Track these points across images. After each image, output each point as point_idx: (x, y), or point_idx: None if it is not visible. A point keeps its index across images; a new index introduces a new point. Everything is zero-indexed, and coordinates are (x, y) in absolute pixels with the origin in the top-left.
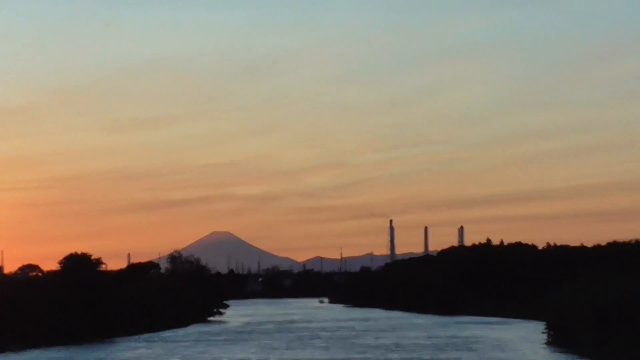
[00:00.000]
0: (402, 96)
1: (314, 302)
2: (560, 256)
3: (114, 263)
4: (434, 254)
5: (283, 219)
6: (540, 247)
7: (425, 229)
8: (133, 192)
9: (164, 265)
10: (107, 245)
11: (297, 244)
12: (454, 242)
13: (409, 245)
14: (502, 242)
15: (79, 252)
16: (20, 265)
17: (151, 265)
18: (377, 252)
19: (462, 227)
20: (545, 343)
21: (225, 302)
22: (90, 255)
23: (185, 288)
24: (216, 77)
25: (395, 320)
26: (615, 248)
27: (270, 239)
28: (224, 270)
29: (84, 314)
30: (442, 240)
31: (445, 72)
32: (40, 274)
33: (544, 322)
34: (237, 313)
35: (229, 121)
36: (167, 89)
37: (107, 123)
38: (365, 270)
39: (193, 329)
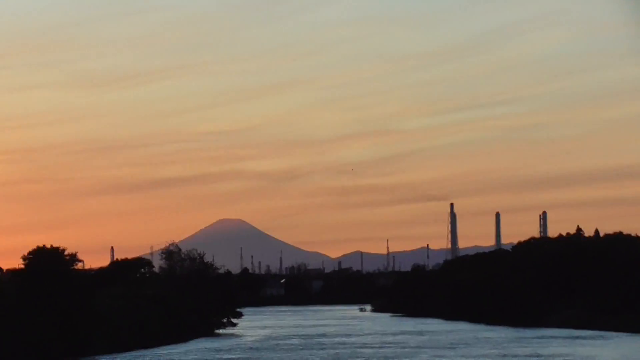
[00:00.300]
0: (463, 42)
1: (352, 310)
2: None
3: (94, 260)
4: (508, 248)
5: (311, 203)
6: None
7: (497, 215)
8: (115, 168)
9: (157, 263)
10: (84, 237)
11: (329, 236)
12: (534, 232)
13: (475, 236)
14: (597, 232)
15: (48, 246)
16: None
17: (141, 263)
18: (433, 246)
19: (544, 213)
20: None
21: (237, 310)
22: (63, 250)
23: (186, 292)
24: (217, 17)
25: (458, 334)
26: None
27: (295, 228)
28: (235, 268)
29: (55, 327)
30: (519, 230)
31: (518, 11)
32: None
33: None
34: (254, 324)
35: (235, 75)
36: (154, 33)
37: (78, 77)
38: (418, 270)
39: (196, 345)
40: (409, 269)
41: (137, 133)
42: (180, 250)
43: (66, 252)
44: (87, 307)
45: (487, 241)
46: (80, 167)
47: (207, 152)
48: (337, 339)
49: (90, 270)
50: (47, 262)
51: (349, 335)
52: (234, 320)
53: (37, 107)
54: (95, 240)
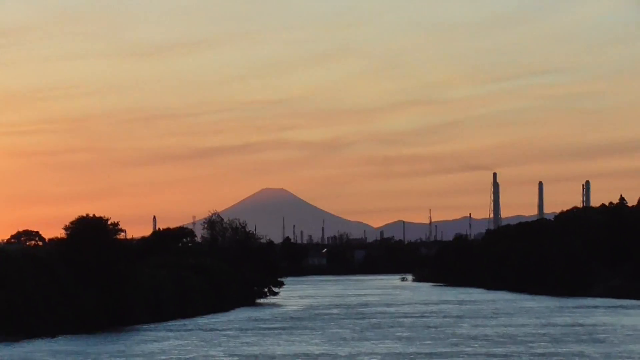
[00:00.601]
0: (509, 11)
1: (394, 280)
2: None
3: (136, 229)
4: (551, 218)
5: (353, 173)
6: None
7: (540, 185)
8: (156, 138)
9: (199, 232)
10: (126, 207)
11: (371, 205)
12: (577, 202)
13: (518, 206)
14: None
15: (90, 215)
16: (14, 231)
17: (183, 232)
18: (476, 215)
19: (587, 183)
20: None
21: (279, 279)
22: (106, 220)
23: (228, 262)
24: None
25: (500, 303)
26: None
27: (337, 198)
28: (277, 238)
29: (98, 296)
30: (562, 199)
31: None
32: (40, 243)
33: None
34: (295, 294)
35: (279, 45)
36: (199, 2)
37: (121, 48)
38: (461, 239)
39: (238, 314)
40: (451, 238)
41: (181, 103)
42: (222, 220)
43: (109, 222)
44: (129, 277)
45: (529, 211)
46: (123, 137)
47: (251, 122)
48: (378, 309)
49: (132, 239)
50: (90, 231)
51: (390, 305)
52: (276, 290)
53: (81, 77)
54: (138, 210)
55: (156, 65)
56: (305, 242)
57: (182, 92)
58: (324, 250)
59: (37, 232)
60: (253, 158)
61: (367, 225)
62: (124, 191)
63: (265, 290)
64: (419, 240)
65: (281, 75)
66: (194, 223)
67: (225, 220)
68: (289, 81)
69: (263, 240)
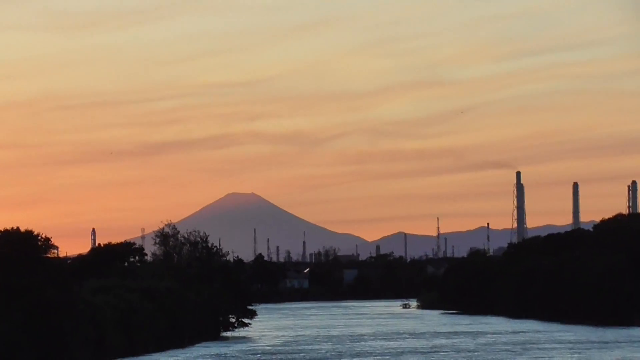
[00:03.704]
0: None
1: (393, 306)
2: None
3: (71, 245)
4: (589, 227)
5: (341, 173)
6: None
7: (575, 187)
8: (94, 130)
9: (150, 248)
10: (59, 217)
11: (364, 214)
12: (622, 207)
13: (548, 213)
14: None
15: (14, 229)
16: None
17: (130, 249)
18: (495, 225)
19: (634, 184)
20: None
21: (250, 307)
22: (35, 234)
23: (186, 285)
24: None
25: (527, 335)
26: None
27: (323, 205)
28: (248, 255)
29: (24, 328)
30: (602, 204)
31: None
32: None
33: None
34: (270, 325)
35: (250, 13)
36: None
37: (48, 19)
38: (477, 255)
39: (199, 351)
40: (464, 254)
41: (126, 86)
42: (178, 232)
43: (40, 236)
44: (63, 304)
45: (562, 219)
46: (53, 129)
47: (214, 109)
48: (374, 344)
49: (67, 258)
50: (14, 249)
51: (389, 339)
52: (246, 321)
53: (3, 54)
54: (73, 220)
55: (94, 41)
56: (282, 259)
57: (125, 74)
58: (305, 270)
59: None
60: (216, 155)
61: (359, 238)
62: (56, 197)
63: (233, 320)
64: (424, 257)
65: (249, 51)
66: (143, 237)
67: (182, 232)
68: (260, 59)
69: (230, 258)
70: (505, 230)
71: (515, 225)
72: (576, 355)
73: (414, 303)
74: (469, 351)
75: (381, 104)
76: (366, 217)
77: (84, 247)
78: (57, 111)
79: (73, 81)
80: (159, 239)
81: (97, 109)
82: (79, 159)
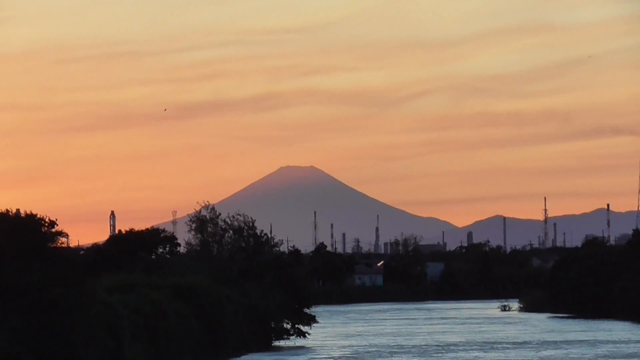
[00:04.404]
0: None
1: (490, 308)
2: None
3: (85, 231)
4: None
5: (423, 141)
6: None
7: None
8: (112, 88)
9: (183, 236)
10: (69, 196)
11: (453, 192)
12: None
13: None
14: None
15: (13, 211)
16: None
17: (157, 236)
18: (617, 207)
19: None
20: None
21: (309, 311)
22: (39, 218)
23: (229, 282)
24: None
25: None
26: None
27: (400, 181)
28: (306, 245)
29: (26, 334)
30: None
31: None
32: None
33: None
34: (335, 332)
35: None
36: None
37: None
38: (594, 244)
39: None
40: (578, 243)
41: (149, 34)
42: (219, 216)
43: (45, 219)
44: (74, 306)
45: None
46: (58, 87)
47: (263, 62)
48: (467, 356)
49: (79, 248)
50: (12, 236)
51: (485, 349)
52: (304, 328)
53: None
54: (86, 201)
55: None
56: (349, 250)
57: (147, 18)
58: (379, 264)
59: None
60: (263, 119)
61: (446, 223)
62: (63, 172)
63: (288, 326)
64: (528, 247)
65: None
66: (174, 221)
67: (224, 216)
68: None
69: (283, 248)
70: (629, 212)
71: None
72: None
73: (514, 304)
74: None
75: (471, 54)
76: (454, 197)
77: (100, 235)
78: (62, 65)
79: (82, 27)
80: (194, 225)
81: (112, 62)
82: (91, 124)
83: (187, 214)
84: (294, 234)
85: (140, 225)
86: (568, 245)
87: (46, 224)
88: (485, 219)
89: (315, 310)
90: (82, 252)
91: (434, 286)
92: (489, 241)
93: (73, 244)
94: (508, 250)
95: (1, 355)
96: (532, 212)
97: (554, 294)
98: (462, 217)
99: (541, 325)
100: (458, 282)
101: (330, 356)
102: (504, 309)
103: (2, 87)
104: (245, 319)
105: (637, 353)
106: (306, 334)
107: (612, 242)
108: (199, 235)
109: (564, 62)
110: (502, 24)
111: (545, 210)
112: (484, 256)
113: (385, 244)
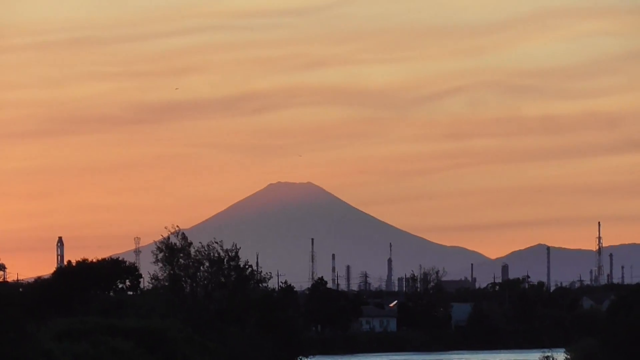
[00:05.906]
0: None
1: (529, 359)
2: None
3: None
4: None
5: (448, 151)
6: None
7: None
8: (66, 83)
9: (147, 268)
10: (5, 219)
11: (484, 216)
12: None
13: None
14: None
15: None
16: None
17: (116, 269)
18: None
19: None
20: None
21: None
22: None
23: (204, 327)
24: None
25: None
26: None
27: (417, 202)
28: (301, 279)
29: None
30: None
31: None
32: None
33: None
34: None
35: None
36: None
37: None
38: None
39: None
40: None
41: (114, 17)
42: (191, 244)
43: None
44: (12, 358)
45: None
46: (9, 82)
47: (248, 52)
48: None
49: (19, 283)
50: None
51: None
52: None
53: None
54: (29, 225)
55: None
56: (355, 287)
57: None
58: (392, 304)
59: None
60: (251, 124)
61: (475, 254)
62: (5, 189)
63: None
64: (577, 284)
65: None
66: (137, 250)
67: (197, 244)
68: None
69: (272, 284)
70: None
71: None
72: None
73: (561, 355)
74: None
75: (515, 43)
76: (485, 222)
77: (45, 267)
78: (4, 54)
79: (32, 9)
80: (161, 254)
81: (69, 51)
82: (33, 129)
83: (154, 241)
84: (286, 267)
85: (94, 255)
86: (627, 281)
87: None
88: (524, 249)
89: None
90: (21, 288)
91: (460, 332)
92: (528, 276)
93: (11, 277)
94: (552, 287)
95: None
96: (583, 240)
97: (610, 342)
98: (495, 247)
99: None
100: (490, 327)
101: None
102: (548, 359)
103: None
104: None
105: None
106: None
107: None
108: (167, 267)
109: (625, 54)
110: (554, 7)
111: (599, 238)
112: (522, 295)
113: (400, 280)
